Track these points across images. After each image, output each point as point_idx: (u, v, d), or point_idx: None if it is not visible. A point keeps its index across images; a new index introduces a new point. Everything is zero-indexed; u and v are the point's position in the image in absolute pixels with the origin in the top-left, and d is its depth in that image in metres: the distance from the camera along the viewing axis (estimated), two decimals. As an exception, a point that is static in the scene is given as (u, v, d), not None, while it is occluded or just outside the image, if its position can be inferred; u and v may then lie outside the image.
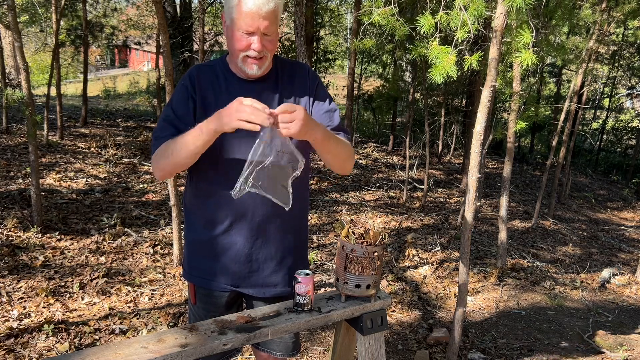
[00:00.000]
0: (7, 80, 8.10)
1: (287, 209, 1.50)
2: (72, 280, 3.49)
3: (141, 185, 5.89)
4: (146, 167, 6.66)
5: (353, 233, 1.56)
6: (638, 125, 13.36)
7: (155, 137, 1.57)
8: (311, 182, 6.96)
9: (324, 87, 1.72)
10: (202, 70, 1.61)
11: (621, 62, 11.84)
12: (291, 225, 1.72)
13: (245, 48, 1.49)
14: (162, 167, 1.54)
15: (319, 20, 11.39)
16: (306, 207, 1.80)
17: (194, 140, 1.43)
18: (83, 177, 5.89)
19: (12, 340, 2.75)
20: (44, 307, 3.12)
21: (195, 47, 10.65)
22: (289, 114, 1.35)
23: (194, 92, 1.57)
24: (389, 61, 10.94)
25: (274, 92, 1.61)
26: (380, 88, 10.87)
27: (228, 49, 1.57)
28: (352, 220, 1.63)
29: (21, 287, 3.33)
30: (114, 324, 3.02)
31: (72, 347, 2.77)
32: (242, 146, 1.54)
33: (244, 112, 1.32)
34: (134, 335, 2.93)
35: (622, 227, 6.96)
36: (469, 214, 2.59)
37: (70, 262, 3.77)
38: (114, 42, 14.27)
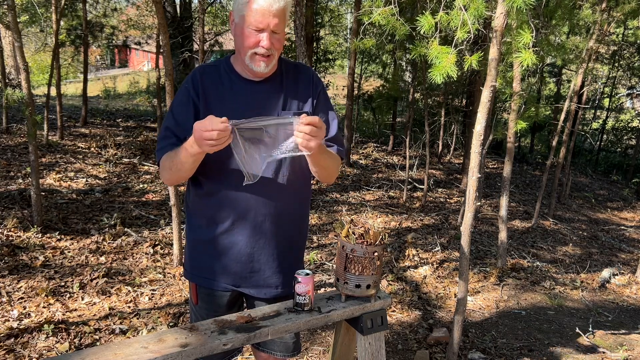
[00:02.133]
0: (7, 80, 8.10)
1: (251, 181, 1.50)
2: (72, 280, 3.49)
3: (141, 185, 5.89)
4: (146, 167, 6.66)
5: (353, 233, 1.56)
6: (638, 125, 13.36)
7: (158, 148, 1.59)
8: (311, 182, 6.96)
9: (326, 95, 1.72)
10: (205, 70, 1.61)
11: (621, 62, 11.84)
12: (293, 226, 1.72)
13: (254, 45, 1.50)
14: (168, 178, 1.60)
15: (319, 20, 11.39)
16: (307, 208, 1.80)
17: (186, 159, 1.48)
18: (83, 177, 5.89)
19: (12, 340, 2.75)
20: (44, 307, 3.12)
21: (195, 47, 10.64)
22: (319, 128, 1.40)
23: (196, 96, 1.56)
24: (389, 61, 10.94)
25: (278, 93, 1.61)
26: (380, 88, 10.87)
27: (235, 47, 1.57)
28: (352, 220, 1.63)
29: (21, 287, 3.33)
30: (114, 324, 3.02)
31: (72, 347, 2.77)
32: None
33: (210, 140, 1.36)
34: (134, 335, 2.93)
35: (622, 227, 6.96)
36: (469, 214, 2.59)
37: (70, 262, 3.77)
38: (114, 42, 14.26)
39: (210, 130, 1.34)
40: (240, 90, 1.58)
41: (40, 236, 4.09)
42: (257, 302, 1.71)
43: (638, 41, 10.04)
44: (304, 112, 1.63)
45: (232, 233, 1.63)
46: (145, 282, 3.61)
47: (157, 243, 4.27)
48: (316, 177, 1.69)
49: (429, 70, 2.41)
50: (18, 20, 4.74)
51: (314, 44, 10.92)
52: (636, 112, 14.86)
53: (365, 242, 1.54)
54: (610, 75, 12.93)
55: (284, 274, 1.70)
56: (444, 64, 2.34)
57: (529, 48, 2.49)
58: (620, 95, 13.76)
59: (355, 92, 10.82)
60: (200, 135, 1.36)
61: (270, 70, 1.57)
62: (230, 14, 1.56)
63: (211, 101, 1.56)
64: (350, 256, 1.54)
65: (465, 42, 2.45)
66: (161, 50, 4.10)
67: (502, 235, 4.48)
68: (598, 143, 13.18)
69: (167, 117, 1.62)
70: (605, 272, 4.79)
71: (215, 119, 1.35)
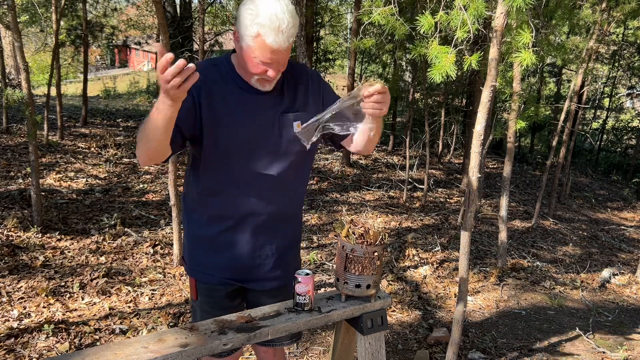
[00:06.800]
0: (7, 80, 8.10)
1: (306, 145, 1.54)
2: (72, 280, 3.49)
3: (141, 185, 5.89)
4: (146, 167, 6.66)
5: (353, 233, 1.56)
6: (638, 125, 13.37)
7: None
8: (311, 182, 6.96)
9: (327, 84, 1.75)
10: (208, 68, 1.58)
11: (621, 62, 11.85)
12: (292, 223, 1.77)
13: (261, 73, 1.50)
14: (143, 152, 1.46)
15: (319, 20, 11.39)
16: (302, 203, 1.85)
17: (157, 119, 1.34)
18: (83, 177, 5.89)
19: (12, 340, 2.75)
20: (44, 307, 3.12)
21: (195, 47, 10.65)
22: (384, 93, 1.41)
23: (195, 90, 1.52)
24: (389, 61, 10.95)
25: (280, 94, 1.62)
26: (380, 88, 10.85)
27: (240, 63, 1.55)
28: (352, 220, 1.63)
29: (21, 287, 3.33)
30: (114, 324, 3.02)
31: (72, 347, 2.77)
32: (252, 146, 1.58)
33: (167, 78, 1.20)
34: (134, 335, 2.93)
35: (622, 227, 6.96)
36: (469, 214, 2.59)
37: (70, 262, 3.77)
38: (114, 42, 14.27)
39: (169, 73, 1.19)
40: (242, 92, 1.58)
41: (40, 236, 4.09)
42: (257, 294, 1.75)
43: (638, 41, 10.04)
44: (303, 111, 1.64)
45: (235, 231, 1.65)
46: (145, 282, 3.61)
47: (157, 243, 4.27)
48: (361, 148, 1.69)
49: (429, 70, 2.41)
50: (18, 20, 4.74)
51: (314, 44, 10.92)
52: (636, 112, 14.86)
53: (365, 242, 1.54)
54: (610, 75, 12.94)
55: (283, 267, 1.75)
56: (443, 64, 2.34)
57: (528, 48, 2.49)
58: (620, 95, 13.77)
59: (355, 92, 10.80)
60: (164, 82, 1.21)
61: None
62: (234, 32, 1.51)
63: (214, 99, 1.55)
64: (350, 256, 1.54)
65: (465, 42, 2.45)
66: (161, 50, 4.08)
67: (502, 235, 4.48)
68: (598, 143, 13.19)
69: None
70: (605, 272, 4.78)
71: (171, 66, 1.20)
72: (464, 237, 2.60)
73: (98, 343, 2.82)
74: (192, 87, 1.50)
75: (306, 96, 1.66)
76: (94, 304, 3.24)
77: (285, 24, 1.41)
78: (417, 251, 4.78)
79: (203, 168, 1.61)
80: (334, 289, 1.65)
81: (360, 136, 1.64)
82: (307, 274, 1.52)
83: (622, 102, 14.51)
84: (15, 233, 4.08)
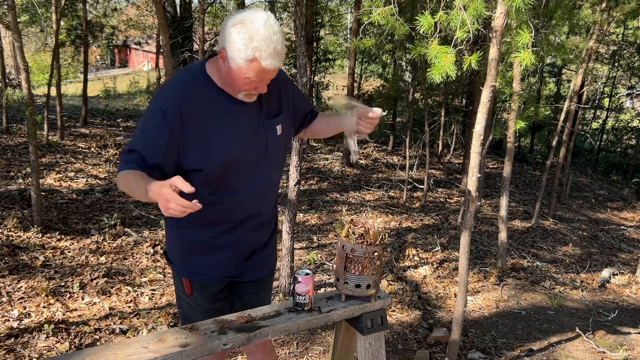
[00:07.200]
0: (7, 80, 8.10)
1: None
2: (72, 280, 3.49)
3: (141, 185, 5.89)
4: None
5: (353, 233, 1.56)
6: (638, 125, 13.37)
7: (123, 158, 1.52)
8: (311, 182, 6.96)
9: (294, 86, 1.81)
10: (186, 86, 1.54)
11: (621, 62, 11.85)
12: (275, 214, 1.86)
13: (250, 89, 1.51)
14: (122, 190, 1.54)
15: (319, 20, 11.38)
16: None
17: (144, 195, 1.40)
18: (83, 177, 5.89)
19: (12, 340, 2.75)
20: (44, 307, 3.12)
21: (195, 47, 10.65)
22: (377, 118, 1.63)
23: (177, 116, 1.49)
24: (388, 61, 10.94)
25: (259, 100, 1.63)
26: (380, 88, 10.87)
27: (226, 80, 1.52)
28: (352, 220, 1.63)
29: (21, 287, 3.33)
30: (114, 324, 3.02)
31: (72, 347, 2.78)
32: (246, 156, 1.61)
33: (171, 209, 1.29)
34: (134, 335, 2.93)
35: (622, 227, 6.96)
36: (469, 214, 2.59)
37: (70, 262, 3.77)
38: (114, 42, 14.28)
39: (178, 205, 1.28)
40: (229, 105, 1.57)
41: (40, 236, 4.09)
42: (245, 283, 1.81)
43: (638, 41, 10.04)
44: (280, 114, 1.70)
45: (232, 233, 1.68)
46: (145, 282, 3.62)
47: (157, 243, 4.27)
48: (315, 136, 1.94)
49: (429, 70, 2.41)
50: (18, 20, 4.74)
51: (314, 44, 10.92)
52: (636, 112, 14.86)
53: (365, 242, 1.54)
54: (610, 75, 12.94)
55: (270, 257, 1.87)
56: (443, 64, 2.34)
57: (528, 48, 2.49)
58: (620, 95, 13.77)
59: (355, 92, 10.82)
60: (165, 204, 1.29)
61: None
62: (222, 51, 1.46)
63: (203, 122, 1.52)
64: (350, 256, 1.54)
65: (464, 42, 2.45)
66: (161, 50, 4.11)
67: (502, 235, 4.48)
68: (598, 143, 13.19)
69: (138, 134, 1.52)
70: (605, 272, 4.79)
71: (183, 200, 1.28)
72: (464, 237, 2.60)
73: (98, 343, 2.82)
74: (168, 116, 1.49)
75: (280, 98, 1.70)
76: (94, 304, 3.24)
77: (280, 45, 1.42)
78: (417, 251, 4.78)
79: (198, 182, 1.56)
80: (334, 289, 1.65)
81: (327, 131, 1.84)
82: (307, 274, 1.52)
83: (622, 102, 14.52)
84: (15, 233, 4.08)
